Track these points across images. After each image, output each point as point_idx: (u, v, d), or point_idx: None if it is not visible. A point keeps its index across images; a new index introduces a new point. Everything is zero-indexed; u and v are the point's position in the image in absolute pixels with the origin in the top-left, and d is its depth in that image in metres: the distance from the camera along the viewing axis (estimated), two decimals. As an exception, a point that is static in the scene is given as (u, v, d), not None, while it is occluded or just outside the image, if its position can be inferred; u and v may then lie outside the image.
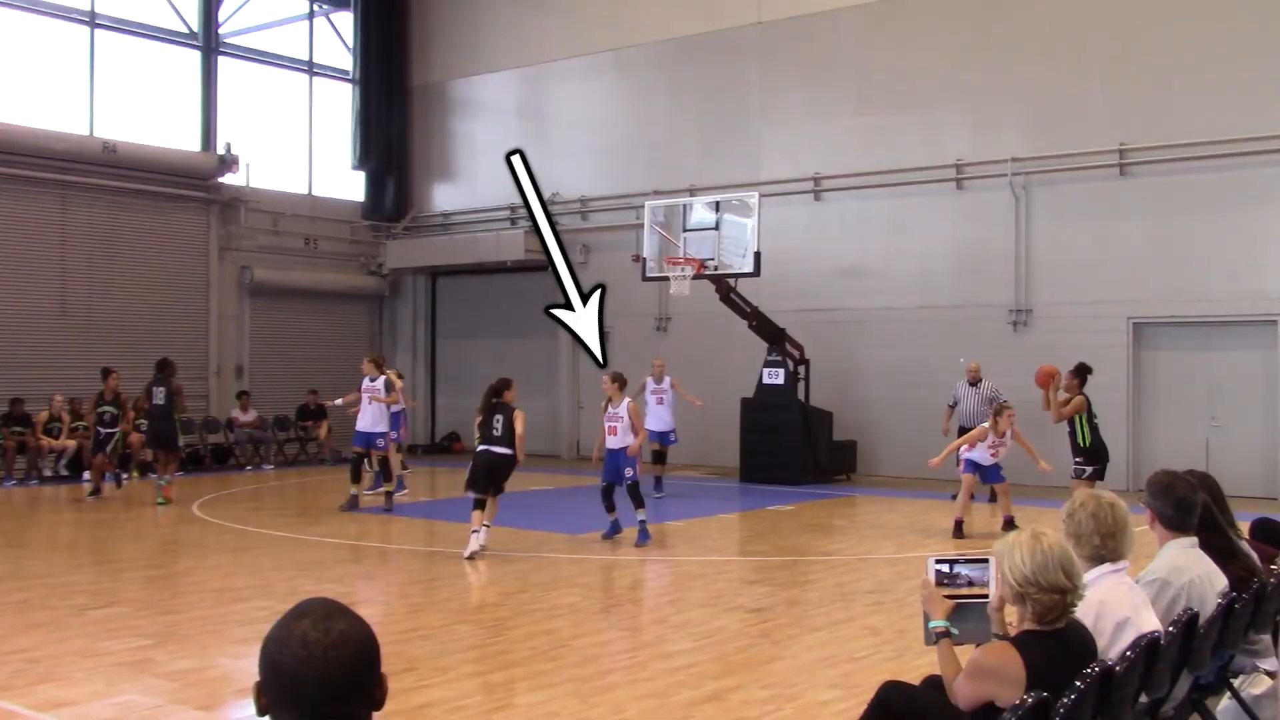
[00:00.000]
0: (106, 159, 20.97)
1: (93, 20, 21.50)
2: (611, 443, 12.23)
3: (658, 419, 16.22)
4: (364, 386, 15.26)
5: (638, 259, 19.06)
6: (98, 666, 7.33)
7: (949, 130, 19.03)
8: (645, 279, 18.91)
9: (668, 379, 16.54)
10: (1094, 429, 12.22)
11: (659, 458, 16.58)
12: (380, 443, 15.34)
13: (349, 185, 25.74)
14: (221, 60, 23.49)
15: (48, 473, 19.05)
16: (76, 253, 20.88)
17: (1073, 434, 12.27)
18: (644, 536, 12.10)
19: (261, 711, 2.19)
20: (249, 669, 7.36)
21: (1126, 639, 3.84)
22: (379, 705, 2.24)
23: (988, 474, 12.95)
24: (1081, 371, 12.37)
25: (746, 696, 6.59)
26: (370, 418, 15.17)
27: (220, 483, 18.90)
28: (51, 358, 20.05)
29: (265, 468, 21.58)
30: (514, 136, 24.58)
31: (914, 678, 4.66)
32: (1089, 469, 12.16)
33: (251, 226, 23.53)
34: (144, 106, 22.28)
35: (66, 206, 20.84)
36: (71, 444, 19.16)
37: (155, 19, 22.61)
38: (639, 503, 12.21)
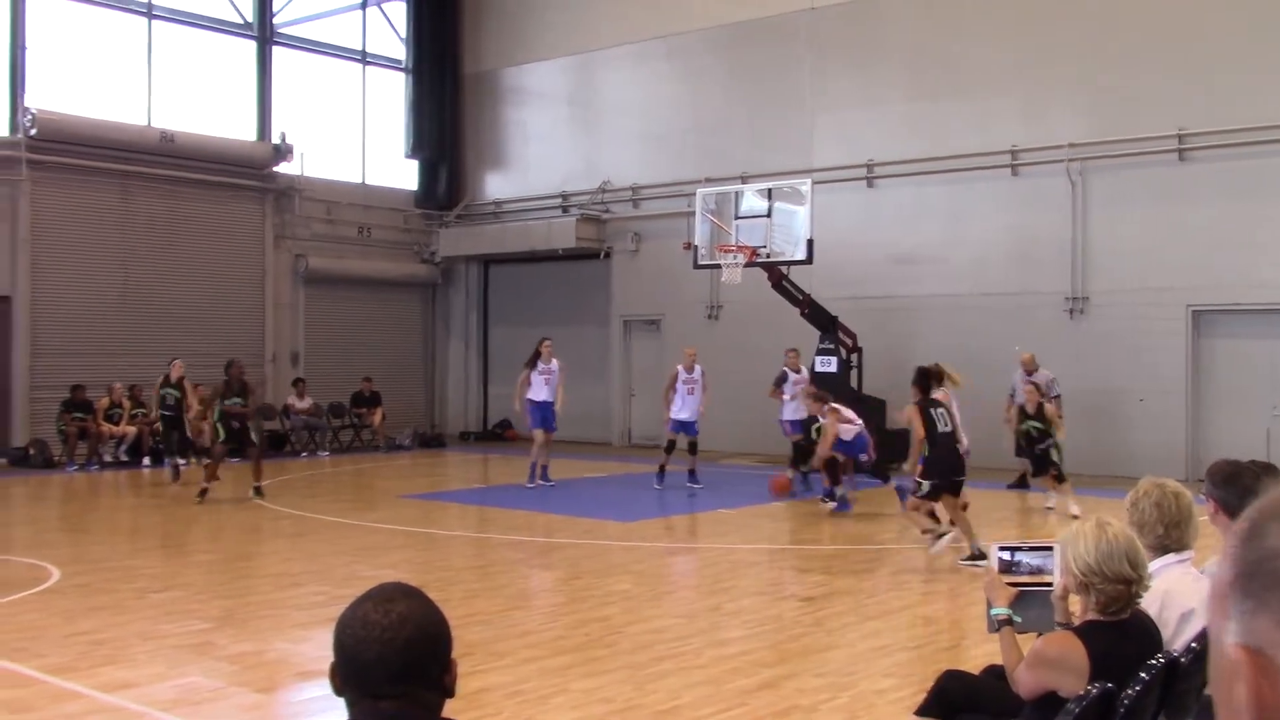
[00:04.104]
0: (165, 149, 21.23)
1: (150, 11, 21.77)
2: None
3: (686, 408, 16.03)
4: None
5: (689, 247, 19.02)
6: (159, 649, 7.45)
7: (1003, 116, 18.82)
8: (696, 267, 18.87)
9: (699, 368, 16.27)
10: (933, 438, 10.40)
11: (691, 448, 16.19)
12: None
13: (402, 174, 25.90)
14: (276, 50, 23.71)
15: (108, 458, 19.36)
16: (135, 241, 21.17)
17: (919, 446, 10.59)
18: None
19: (336, 692, 2.23)
20: (308, 652, 7.50)
21: (1192, 630, 3.79)
22: (449, 692, 2.25)
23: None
24: (920, 378, 10.87)
25: (801, 685, 6.58)
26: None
27: (276, 469, 19.09)
28: (112, 345, 20.36)
29: (321, 454, 21.81)
30: (565, 124, 24.65)
31: (971, 667, 4.64)
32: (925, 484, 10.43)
33: (306, 215, 23.75)
34: (201, 97, 22.53)
35: (126, 196, 21.13)
36: (131, 430, 19.49)
37: (212, 10, 22.85)
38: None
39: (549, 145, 24.92)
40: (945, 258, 19.25)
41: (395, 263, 25.36)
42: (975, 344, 18.52)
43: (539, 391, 16.36)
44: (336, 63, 24.95)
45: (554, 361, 16.55)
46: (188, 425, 17.52)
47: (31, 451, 19.27)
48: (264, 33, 23.44)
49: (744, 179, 20.31)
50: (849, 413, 14.01)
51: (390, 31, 25.69)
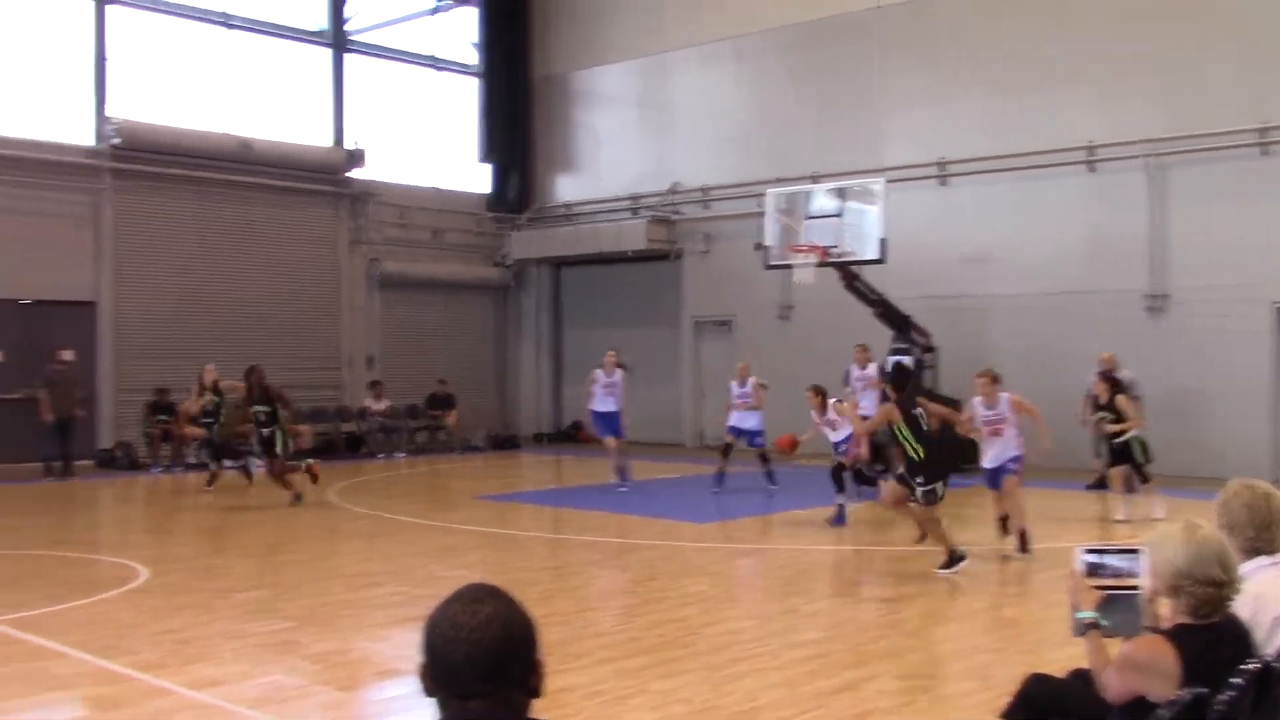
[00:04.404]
0: (242, 156, 21.63)
1: (227, 21, 22.19)
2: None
3: (750, 418, 16.01)
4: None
5: (760, 247, 18.98)
6: (244, 647, 7.59)
7: (1078, 110, 18.54)
8: (768, 267, 18.82)
9: (751, 380, 16.19)
10: (922, 437, 10.02)
11: (761, 459, 16.08)
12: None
13: (473, 178, 26.12)
14: (350, 57, 24.05)
15: (191, 460, 19.73)
16: (213, 247, 21.57)
17: (901, 449, 10.20)
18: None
19: (427, 692, 2.25)
20: (387, 651, 7.61)
21: (1286, 634, 3.72)
22: (535, 692, 2.27)
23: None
24: (897, 374, 10.69)
25: (880, 687, 6.55)
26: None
27: (354, 470, 19.36)
28: (192, 349, 20.75)
29: (397, 456, 22.08)
30: (635, 126, 24.72)
31: (1053, 670, 4.58)
32: (930, 485, 9.98)
33: (379, 220, 24.05)
34: (276, 104, 22.91)
35: (204, 203, 21.53)
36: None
37: (287, 18, 23.23)
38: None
39: (619, 148, 25.00)
40: (1020, 256, 19.02)
41: (467, 266, 25.59)
42: (1049, 343, 18.30)
43: (601, 403, 16.59)
44: (408, 68, 25.24)
45: (616, 373, 16.69)
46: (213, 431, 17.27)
47: (118, 454, 19.73)
48: (338, 40, 23.79)
49: (814, 179, 20.22)
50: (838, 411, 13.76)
51: (461, 36, 25.91)
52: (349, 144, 23.48)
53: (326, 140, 23.55)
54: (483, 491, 16.93)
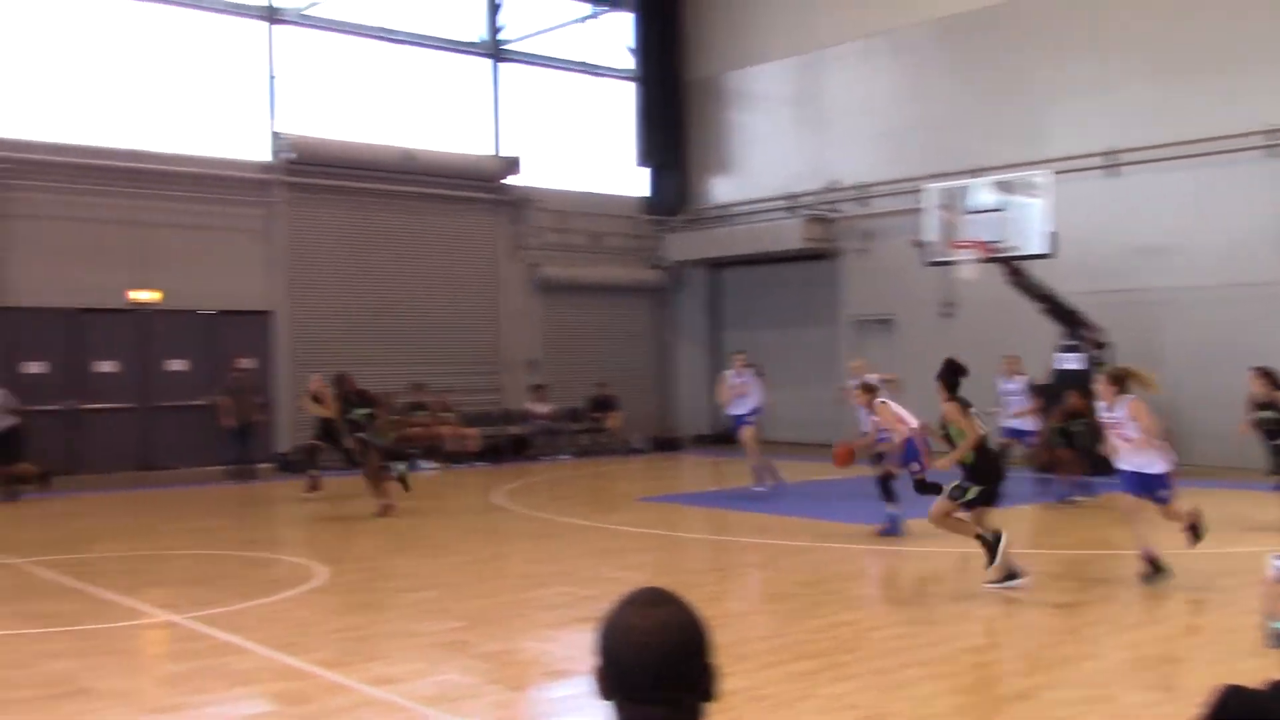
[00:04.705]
0: (406, 166, 22.25)
1: (389, 36, 22.86)
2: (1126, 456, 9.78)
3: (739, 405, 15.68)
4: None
5: (919, 244, 18.65)
6: (418, 646, 7.78)
7: (1256, 94, 17.69)
8: (928, 264, 18.47)
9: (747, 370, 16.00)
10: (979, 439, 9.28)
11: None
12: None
13: (629, 181, 26.31)
14: (506, 66, 24.50)
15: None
16: (379, 256, 22.21)
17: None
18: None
19: (604, 696, 2.26)
20: (557, 652, 7.70)
21: None
22: (710, 696, 2.26)
23: None
24: (949, 373, 9.60)
25: (1058, 696, 6.35)
26: None
27: (519, 472, 19.69)
28: (361, 356, 21.39)
29: (561, 458, 22.39)
30: (790, 125, 24.56)
31: (1243, 680, 4.37)
32: (972, 489, 9.25)
33: (538, 225, 24.42)
34: (437, 114, 23.48)
35: (370, 213, 22.21)
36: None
37: (446, 31, 23.79)
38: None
39: (774, 147, 24.87)
40: (1195, 247, 18.25)
41: (625, 269, 25.79)
42: (1229, 337, 17.50)
43: (734, 404, 16.24)
44: (564, 75, 25.58)
45: (747, 373, 16.39)
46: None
47: (294, 458, 20.45)
48: (494, 50, 24.26)
49: (975, 173, 19.75)
50: (902, 411, 12.14)
51: (615, 41, 26.13)
52: (507, 151, 23.91)
53: (485, 149, 24.03)
54: (644, 493, 17.03)
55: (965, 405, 9.24)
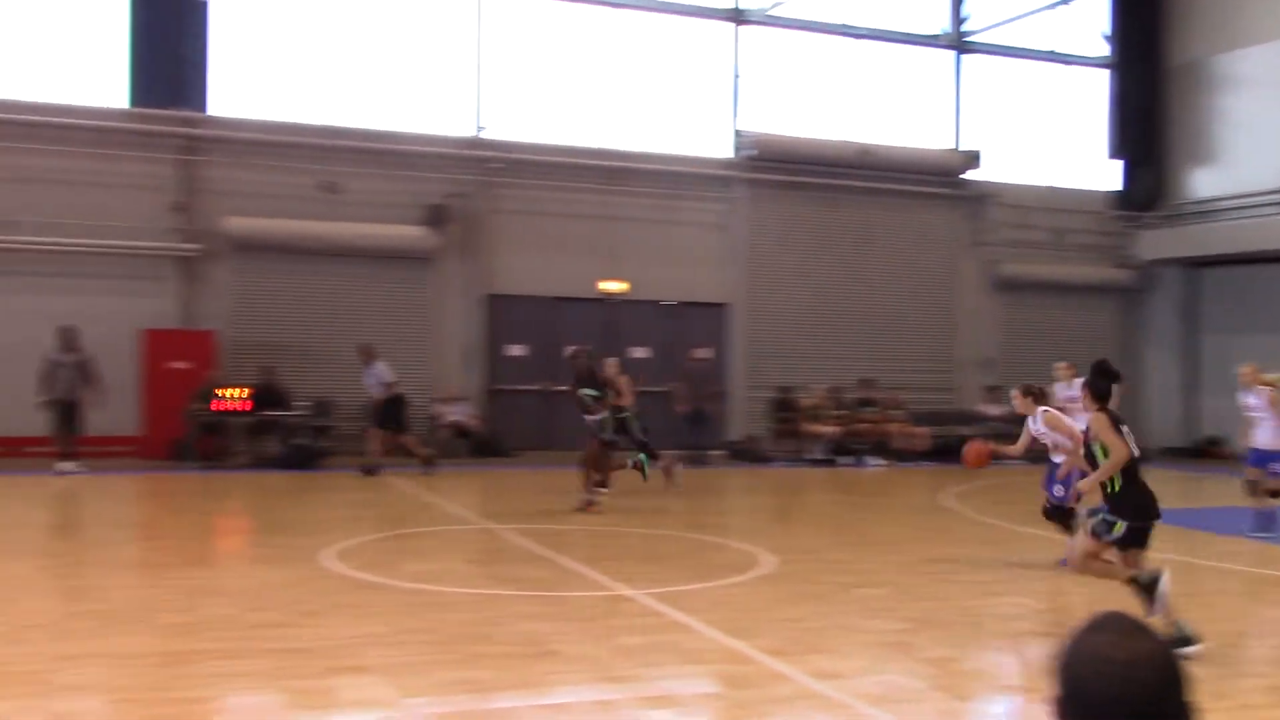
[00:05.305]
0: (862, 161, 22.23)
1: (850, 31, 22.90)
2: None
3: (1268, 436, 12.84)
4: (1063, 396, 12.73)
5: None
6: (862, 643, 7.70)
7: None
8: None
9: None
10: (1129, 462, 7.54)
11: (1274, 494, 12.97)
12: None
13: (1096, 175, 24.89)
14: (968, 58, 23.87)
15: (815, 456, 20.49)
16: (834, 251, 22.43)
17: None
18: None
19: None
20: (1006, 666, 7.35)
21: None
22: None
23: None
24: (1098, 377, 7.86)
25: None
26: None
27: (968, 474, 19.09)
28: (811, 348, 21.69)
29: (1007, 463, 21.49)
30: (1283, 111, 22.28)
31: None
32: (1120, 524, 7.48)
33: (998, 221, 23.61)
34: (894, 108, 23.28)
35: (826, 209, 22.42)
36: (833, 429, 20.53)
37: (906, 24, 23.51)
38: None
39: (1266, 137, 22.63)
40: None
41: (1090, 267, 24.44)
42: None
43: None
44: (1030, 65, 24.57)
45: (1074, 384, 13.53)
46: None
47: (744, 446, 21.01)
48: (958, 42, 23.68)
49: None
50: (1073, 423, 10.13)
51: (1089, 28, 24.77)
52: (967, 145, 23.29)
53: (944, 143, 23.52)
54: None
55: (1117, 420, 7.64)
